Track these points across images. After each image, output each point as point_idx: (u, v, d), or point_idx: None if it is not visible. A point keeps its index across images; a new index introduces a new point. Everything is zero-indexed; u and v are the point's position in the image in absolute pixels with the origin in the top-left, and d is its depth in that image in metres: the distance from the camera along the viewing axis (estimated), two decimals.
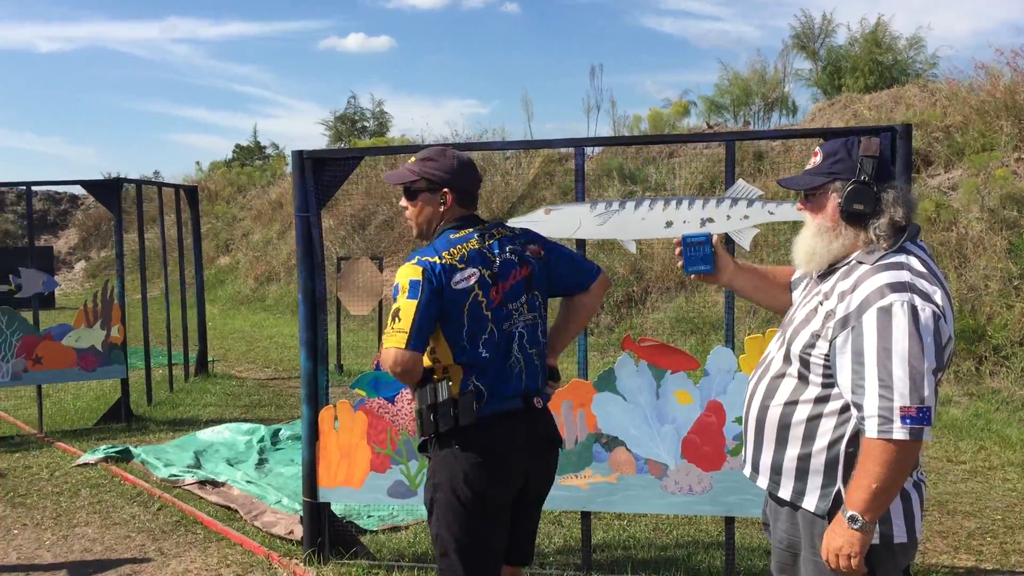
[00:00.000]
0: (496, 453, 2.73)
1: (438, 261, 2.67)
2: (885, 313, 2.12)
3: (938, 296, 2.16)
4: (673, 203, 4.17)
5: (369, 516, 5.28)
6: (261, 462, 6.41)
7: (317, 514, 4.54)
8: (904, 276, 2.17)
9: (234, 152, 36.21)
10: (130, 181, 7.95)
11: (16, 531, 5.22)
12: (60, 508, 5.59)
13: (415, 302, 2.61)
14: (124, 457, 6.53)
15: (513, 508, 2.85)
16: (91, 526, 5.27)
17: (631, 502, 4.24)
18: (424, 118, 71.21)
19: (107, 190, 7.66)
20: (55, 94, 76.61)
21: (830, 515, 2.28)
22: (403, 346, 2.61)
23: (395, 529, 5.13)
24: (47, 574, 4.59)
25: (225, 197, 24.09)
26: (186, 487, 5.89)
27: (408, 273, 2.66)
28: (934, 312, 2.12)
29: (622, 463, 4.22)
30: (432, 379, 2.74)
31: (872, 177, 2.26)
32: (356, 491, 4.46)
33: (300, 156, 4.46)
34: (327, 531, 4.56)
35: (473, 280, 2.68)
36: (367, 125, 24.33)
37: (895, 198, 2.27)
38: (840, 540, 2.20)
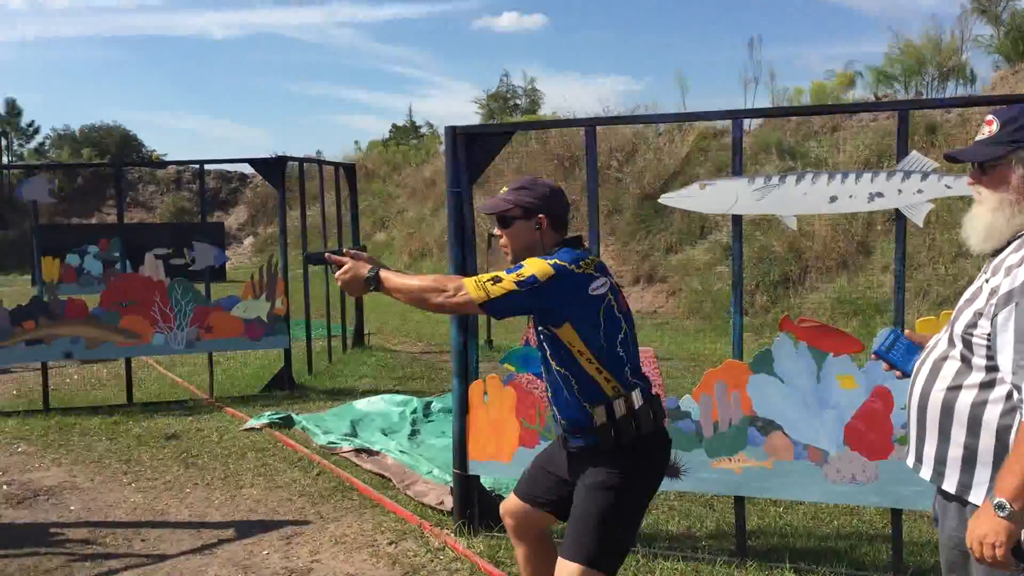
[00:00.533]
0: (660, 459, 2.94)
1: (575, 269, 2.76)
2: None
3: None
4: (838, 177, 3.96)
5: None
6: (413, 433, 6.55)
7: (467, 486, 4.60)
8: None
9: (391, 132, 37.19)
10: (293, 159, 8.26)
11: (188, 490, 5.54)
12: (228, 470, 5.89)
13: (521, 289, 2.68)
14: (286, 423, 6.83)
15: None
16: (256, 488, 5.53)
17: (788, 488, 4.08)
18: (575, 96, 71.04)
19: (272, 168, 7.98)
20: (228, 78, 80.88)
21: None
22: (480, 300, 2.69)
23: None
24: (216, 531, 4.84)
25: (381, 175, 24.79)
26: (343, 454, 6.10)
27: (539, 266, 2.72)
28: None
29: (779, 448, 4.06)
30: (605, 396, 2.80)
31: None
32: (505, 465, 4.49)
33: (453, 132, 4.49)
34: (476, 503, 4.62)
35: (606, 288, 2.81)
36: (519, 103, 24.46)
37: None
38: (985, 528, 2.04)
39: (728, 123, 4.32)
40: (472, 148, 4.51)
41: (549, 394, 2.98)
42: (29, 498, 5.45)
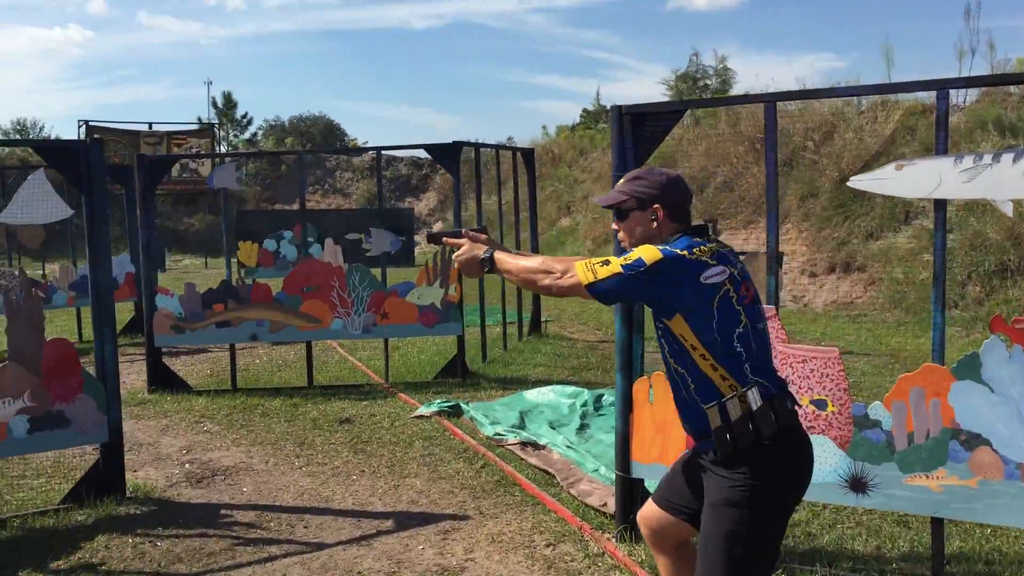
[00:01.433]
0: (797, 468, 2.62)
1: (686, 255, 2.55)
2: None
3: None
4: None
5: None
6: (582, 427, 6.32)
7: (630, 490, 4.32)
8: None
9: (581, 116, 36.97)
10: (468, 144, 8.19)
11: (355, 477, 5.55)
12: (395, 458, 5.88)
13: (626, 272, 2.55)
14: (455, 412, 6.77)
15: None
16: (419, 478, 5.47)
17: (996, 513, 3.54)
18: (771, 74, 68.27)
19: (447, 154, 7.94)
20: (427, 67, 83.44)
21: None
22: (588, 282, 2.60)
23: None
24: (375, 521, 4.80)
25: (567, 160, 24.65)
26: (509, 447, 5.95)
27: (648, 251, 2.56)
28: None
29: (986, 466, 3.53)
30: (720, 396, 2.54)
31: None
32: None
33: (619, 111, 4.20)
34: (639, 508, 4.32)
35: (724, 276, 2.56)
36: (709, 83, 23.62)
37: None
38: None
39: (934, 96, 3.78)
40: (640, 128, 4.20)
41: (672, 394, 2.73)
42: (207, 477, 5.63)
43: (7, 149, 30.33)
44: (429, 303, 7.88)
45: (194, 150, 27.08)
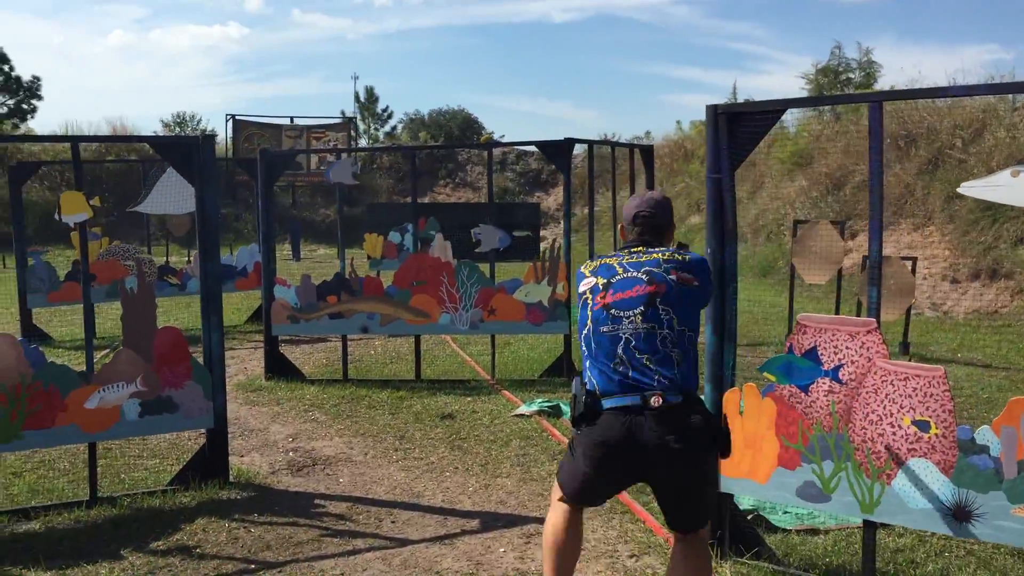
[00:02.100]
0: (596, 441, 3.17)
1: (582, 268, 3.44)
2: None
3: None
4: None
5: (785, 512, 4.74)
6: None
7: (717, 505, 4.15)
8: None
9: None
10: (582, 141, 8.10)
11: (448, 474, 5.57)
12: (489, 456, 5.87)
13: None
14: (555, 412, 6.70)
15: (660, 491, 3.28)
16: (511, 478, 5.44)
17: None
18: (931, 67, 64.86)
19: (559, 151, 7.87)
20: (566, 61, 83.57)
21: None
22: None
23: (813, 532, 4.53)
24: (461, 520, 4.79)
25: (700, 156, 24.11)
26: None
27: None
28: None
29: None
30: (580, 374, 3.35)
31: None
32: (761, 486, 3.99)
33: (714, 111, 4.03)
34: (728, 525, 4.16)
35: (587, 287, 3.31)
36: (852, 77, 22.61)
37: None
38: None
39: None
40: (735, 129, 4.02)
41: None
42: (308, 466, 5.77)
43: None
44: (536, 300, 7.84)
45: (332, 144, 27.93)
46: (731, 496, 4.16)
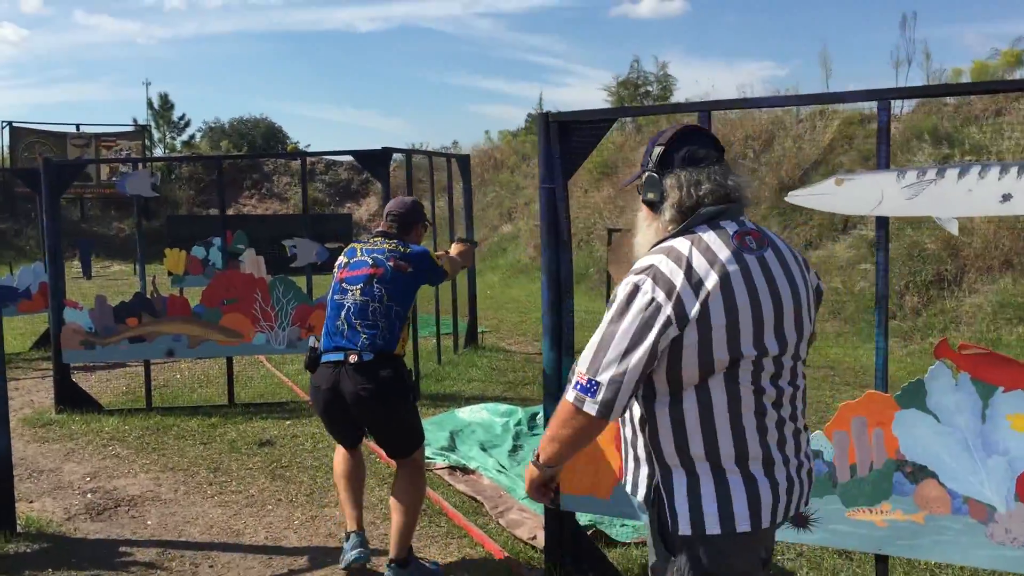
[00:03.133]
0: (314, 385, 4.15)
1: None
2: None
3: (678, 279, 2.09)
4: (1014, 170, 3.17)
5: (623, 525, 4.70)
6: (515, 448, 6.04)
7: (558, 523, 4.05)
8: (652, 259, 2.15)
9: (526, 121, 36.79)
10: (399, 151, 7.86)
11: (271, 507, 5.20)
12: (315, 485, 5.53)
13: None
14: None
15: (369, 429, 4.23)
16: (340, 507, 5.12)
17: (943, 550, 3.33)
18: (712, 81, 68.98)
19: (376, 161, 7.61)
20: (371, 70, 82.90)
21: None
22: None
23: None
24: (288, 559, 4.46)
25: (510, 165, 24.41)
26: (436, 471, 5.64)
27: None
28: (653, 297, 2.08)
29: (932, 500, 3.32)
30: None
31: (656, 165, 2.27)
32: (603, 501, 3.90)
33: (545, 119, 3.92)
34: (571, 543, 4.06)
35: (337, 264, 4.29)
36: (650, 90, 23.53)
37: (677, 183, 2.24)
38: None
39: (874, 107, 3.57)
40: (568, 137, 3.93)
41: None
42: (109, 509, 5.22)
43: None
44: None
45: (124, 153, 26.23)
46: (573, 514, 4.06)
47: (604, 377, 2.08)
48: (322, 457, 6.04)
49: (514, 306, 13.80)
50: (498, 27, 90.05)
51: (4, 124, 25.63)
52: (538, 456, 2.28)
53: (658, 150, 2.27)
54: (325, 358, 4.05)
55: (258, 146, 34.59)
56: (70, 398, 7.50)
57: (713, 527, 2.13)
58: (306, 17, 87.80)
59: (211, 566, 4.36)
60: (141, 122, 32.64)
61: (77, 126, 27.00)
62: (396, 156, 7.89)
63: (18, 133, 25.85)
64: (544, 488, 2.36)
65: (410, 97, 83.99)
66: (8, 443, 4.75)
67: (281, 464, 5.96)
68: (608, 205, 17.51)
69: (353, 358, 3.95)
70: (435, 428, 6.43)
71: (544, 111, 3.95)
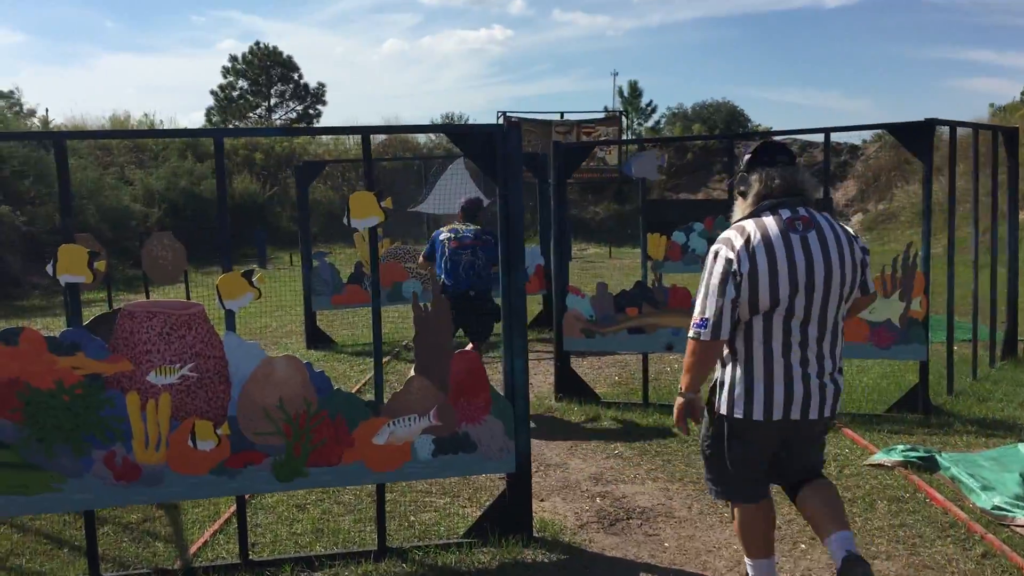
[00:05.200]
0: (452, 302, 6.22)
1: (440, 230, 7.45)
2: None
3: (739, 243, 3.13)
4: None
5: None
6: None
7: None
8: (728, 233, 3.21)
9: (1022, 94, 32.06)
10: (942, 122, 6.51)
11: (803, 546, 4.35)
12: (854, 525, 4.55)
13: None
14: (928, 466, 5.25)
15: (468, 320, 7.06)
16: (893, 561, 4.12)
17: None
18: None
19: (916, 134, 6.36)
20: (837, 49, 78.63)
21: None
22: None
23: None
24: None
25: None
26: (1016, 528, 4.38)
27: None
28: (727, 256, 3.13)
29: None
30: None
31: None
32: None
33: None
34: None
35: (445, 237, 7.17)
36: None
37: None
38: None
39: None
40: None
41: None
42: (621, 520, 4.76)
43: (433, 141, 32.82)
44: (884, 319, 6.39)
45: (602, 138, 27.14)
46: None
47: (709, 313, 3.15)
48: (854, 488, 5.06)
49: None
50: None
51: (499, 114, 27.87)
52: (680, 389, 3.29)
53: (748, 156, 3.32)
54: (451, 291, 6.98)
55: (721, 130, 34.04)
56: (569, 385, 7.34)
57: (738, 413, 3.23)
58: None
59: None
60: (610, 110, 33.76)
61: (561, 114, 28.53)
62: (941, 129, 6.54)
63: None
64: (688, 414, 3.28)
65: (879, 75, 78.11)
66: (528, 444, 4.45)
67: None
68: None
69: (471, 293, 7.05)
70: (997, 467, 5.11)
71: None
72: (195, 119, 53.46)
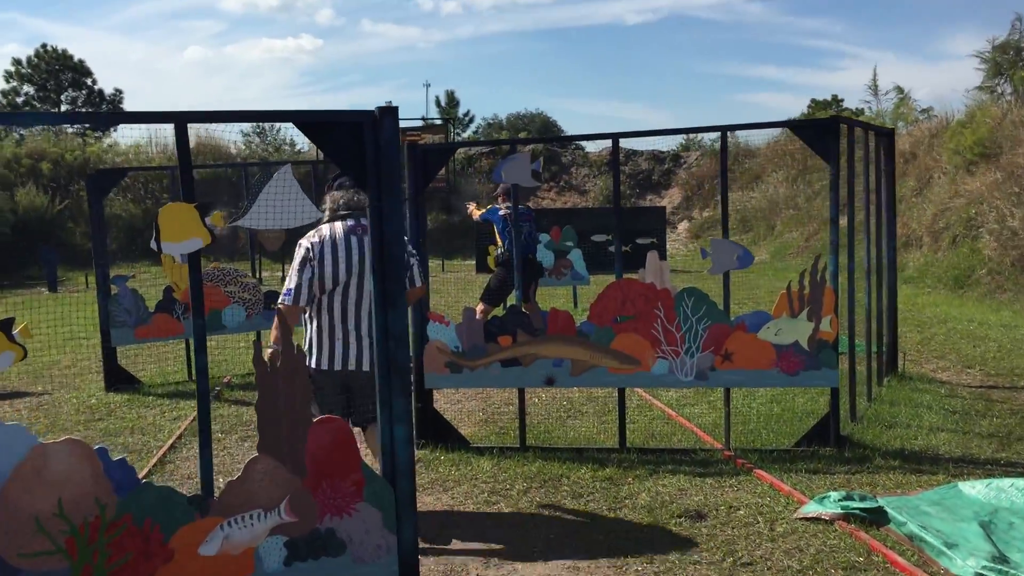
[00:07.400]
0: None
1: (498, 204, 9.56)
2: None
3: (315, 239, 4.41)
4: None
5: None
6: None
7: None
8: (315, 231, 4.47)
9: (809, 108, 33.80)
10: (846, 121, 5.85)
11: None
12: None
13: None
14: (873, 519, 4.49)
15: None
16: None
17: None
18: None
19: (823, 132, 5.68)
20: (639, 63, 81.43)
21: None
22: None
23: None
24: None
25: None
26: None
27: None
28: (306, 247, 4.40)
29: None
30: None
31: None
32: None
33: None
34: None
35: (502, 215, 9.36)
36: None
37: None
38: None
39: None
40: None
41: None
42: None
43: (250, 149, 30.70)
44: (791, 341, 5.67)
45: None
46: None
47: (291, 285, 4.36)
48: (793, 551, 4.24)
49: (911, 320, 11.08)
50: (770, 11, 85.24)
51: None
52: (269, 342, 4.47)
53: (329, 183, 4.70)
54: None
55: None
56: (432, 429, 6.23)
57: (315, 365, 4.45)
58: (575, 13, 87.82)
59: None
60: (428, 119, 32.92)
61: None
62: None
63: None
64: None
65: (677, 89, 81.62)
66: (415, 535, 3.31)
67: (737, 556, 4.20)
68: (993, 191, 14.43)
69: None
70: (946, 515, 4.42)
71: None
72: None
